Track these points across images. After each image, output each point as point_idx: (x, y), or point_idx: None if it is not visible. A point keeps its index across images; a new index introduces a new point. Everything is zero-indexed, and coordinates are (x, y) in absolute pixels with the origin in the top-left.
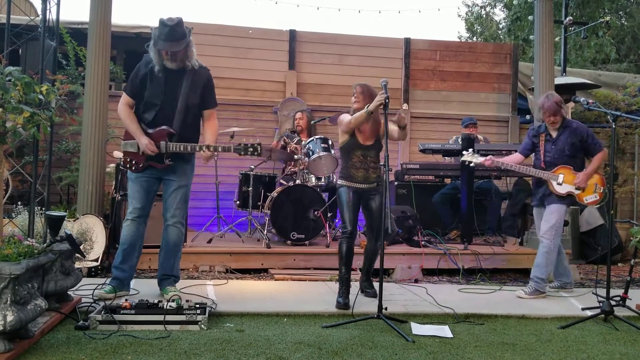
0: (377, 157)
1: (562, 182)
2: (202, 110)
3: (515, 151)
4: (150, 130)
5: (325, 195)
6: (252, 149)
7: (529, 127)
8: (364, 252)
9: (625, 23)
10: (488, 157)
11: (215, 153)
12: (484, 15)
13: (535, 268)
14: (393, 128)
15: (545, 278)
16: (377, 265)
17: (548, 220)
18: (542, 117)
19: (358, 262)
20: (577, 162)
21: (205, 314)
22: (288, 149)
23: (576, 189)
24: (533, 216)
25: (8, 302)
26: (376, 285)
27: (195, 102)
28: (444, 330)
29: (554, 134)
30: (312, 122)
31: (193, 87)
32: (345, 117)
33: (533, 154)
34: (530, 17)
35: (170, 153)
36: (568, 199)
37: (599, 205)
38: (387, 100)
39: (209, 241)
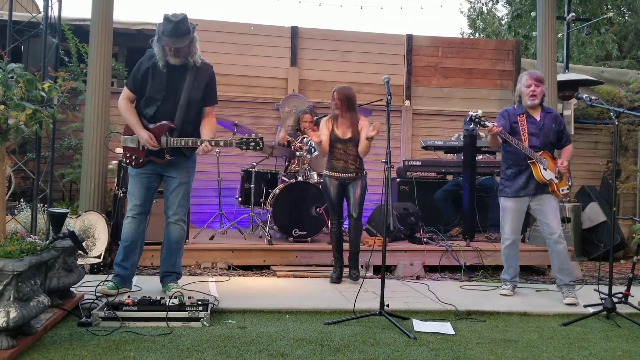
0: (357, 152)
1: (546, 167)
2: (203, 107)
3: None
4: (151, 126)
5: None
6: (253, 144)
7: (501, 111)
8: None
9: (629, 19)
10: (495, 124)
11: (217, 149)
12: (486, 12)
13: (562, 272)
14: (362, 137)
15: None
16: (379, 262)
17: (556, 219)
18: (523, 88)
19: (364, 259)
20: (553, 152)
21: (207, 311)
22: (292, 147)
23: (555, 177)
24: (506, 210)
25: (11, 299)
26: (377, 282)
27: (198, 98)
28: (446, 327)
29: (537, 117)
30: (315, 118)
31: (196, 83)
32: (322, 132)
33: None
34: (533, 14)
35: (171, 148)
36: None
37: (563, 200)
38: (389, 98)
39: (211, 238)
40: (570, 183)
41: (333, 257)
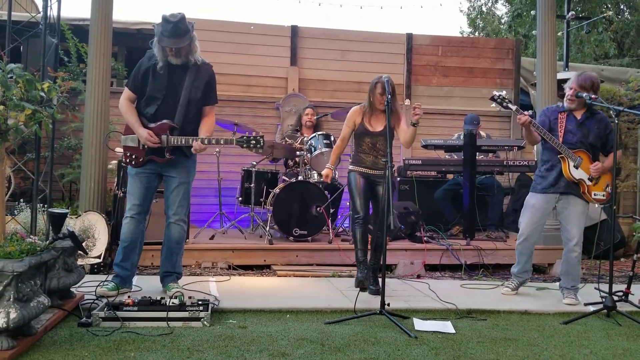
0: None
1: (578, 166)
2: (203, 106)
3: (518, 147)
4: (151, 125)
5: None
6: (254, 142)
7: (544, 108)
8: (370, 246)
9: (629, 17)
10: (525, 113)
11: (217, 149)
12: (486, 11)
13: (568, 276)
14: (403, 127)
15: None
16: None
17: (578, 224)
18: (567, 89)
19: None
20: (595, 155)
21: (207, 311)
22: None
23: (589, 179)
24: (528, 206)
25: (11, 300)
26: (378, 280)
27: (198, 97)
28: (447, 326)
29: (579, 116)
30: (315, 117)
31: (196, 82)
32: (347, 124)
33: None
34: (532, 12)
35: (171, 147)
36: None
37: (602, 205)
38: (389, 97)
39: (212, 238)
40: (609, 190)
41: (355, 258)
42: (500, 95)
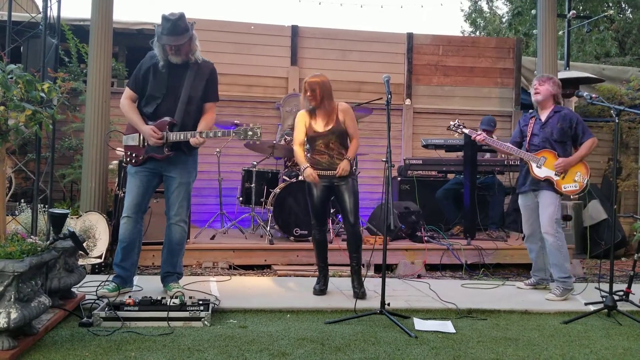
0: (341, 144)
1: (542, 165)
2: (204, 103)
3: None
4: (151, 123)
5: None
6: (251, 133)
7: (520, 117)
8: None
9: (631, 16)
10: (479, 133)
11: (217, 149)
12: (487, 10)
13: (554, 268)
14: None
15: (569, 273)
16: (379, 260)
17: (545, 214)
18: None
19: (365, 258)
20: (565, 150)
21: (208, 311)
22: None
23: (555, 174)
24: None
25: (12, 300)
26: (378, 280)
27: (198, 94)
28: (447, 326)
29: (544, 117)
30: None
31: (196, 80)
32: (297, 128)
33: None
34: (533, 12)
35: (171, 143)
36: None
37: (577, 196)
38: (389, 97)
39: (212, 238)
40: (581, 180)
41: (317, 265)
42: (454, 124)
